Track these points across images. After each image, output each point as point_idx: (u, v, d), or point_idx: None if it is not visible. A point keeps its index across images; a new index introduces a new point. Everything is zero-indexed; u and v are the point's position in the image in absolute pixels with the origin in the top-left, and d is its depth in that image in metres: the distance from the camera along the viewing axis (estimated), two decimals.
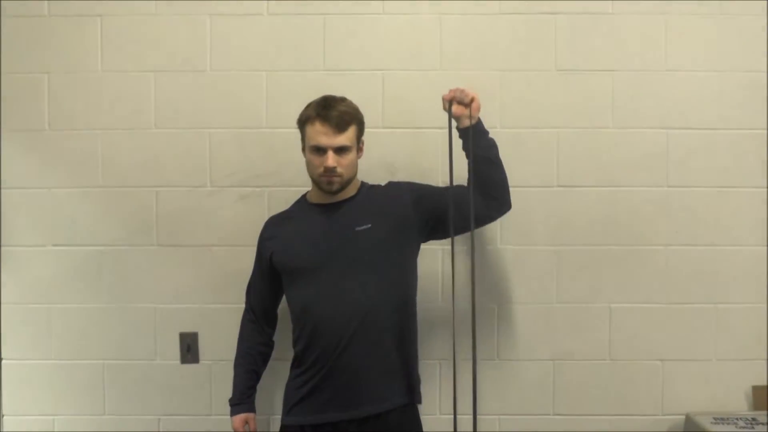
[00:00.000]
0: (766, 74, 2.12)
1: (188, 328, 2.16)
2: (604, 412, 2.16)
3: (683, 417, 2.13)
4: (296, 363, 1.86)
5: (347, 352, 1.76)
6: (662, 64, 2.13)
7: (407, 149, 2.13)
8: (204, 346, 2.16)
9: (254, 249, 1.94)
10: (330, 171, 1.74)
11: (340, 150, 1.74)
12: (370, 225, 1.78)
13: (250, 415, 1.94)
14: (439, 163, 2.13)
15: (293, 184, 2.06)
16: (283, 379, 1.90)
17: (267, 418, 2.15)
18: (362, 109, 2.01)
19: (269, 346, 1.98)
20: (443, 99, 1.76)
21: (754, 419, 2.06)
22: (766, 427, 2.00)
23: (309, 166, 1.79)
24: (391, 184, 1.91)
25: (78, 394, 2.18)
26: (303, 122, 1.78)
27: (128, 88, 2.14)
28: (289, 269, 1.84)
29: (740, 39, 2.12)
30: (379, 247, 1.78)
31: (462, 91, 1.74)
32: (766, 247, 2.13)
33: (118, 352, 2.17)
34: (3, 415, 2.19)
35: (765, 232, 2.13)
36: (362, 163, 1.95)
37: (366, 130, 2.02)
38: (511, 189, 2.09)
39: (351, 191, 1.84)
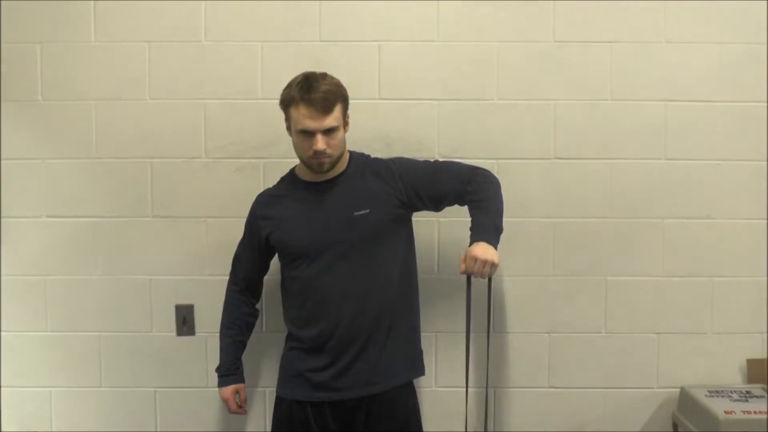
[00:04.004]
0: (766, 46, 2.10)
1: (184, 300, 2.16)
2: (599, 385, 2.17)
3: (678, 390, 2.13)
4: (293, 337, 1.86)
5: (349, 332, 1.77)
6: (661, 36, 2.10)
7: (404, 120, 2.11)
8: (200, 318, 2.16)
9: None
10: (320, 154, 1.72)
11: (328, 131, 1.71)
12: (368, 210, 1.77)
13: (240, 385, 1.96)
14: (435, 135, 2.11)
15: (288, 155, 2.02)
16: (274, 350, 1.90)
17: (263, 390, 2.16)
18: (358, 81, 2.02)
19: (255, 316, 1.99)
20: (461, 272, 1.68)
21: (748, 392, 2.07)
22: (760, 398, 2.01)
23: (297, 148, 1.77)
24: (381, 162, 1.87)
25: (74, 366, 2.18)
26: (286, 104, 1.74)
27: (122, 58, 2.11)
28: (288, 251, 1.83)
29: (740, 10, 2.09)
30: (378, 231, 1.78)
31: (482, 266, 1.64)
32: (765, 221, 2.13)
33: (114, 324, 2.17)
34: (0, 387, 2.19)
35: (764, 205, 2.12)
36: (358, 134, 1.94)
37: (362, 101, 2.03)
38: (508, 161, 2.12)
39: (341, 166, 1.82)
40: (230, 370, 1.94)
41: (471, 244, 1.69)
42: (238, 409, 1.96)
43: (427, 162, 1.88)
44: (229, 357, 1.95)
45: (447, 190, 1.82)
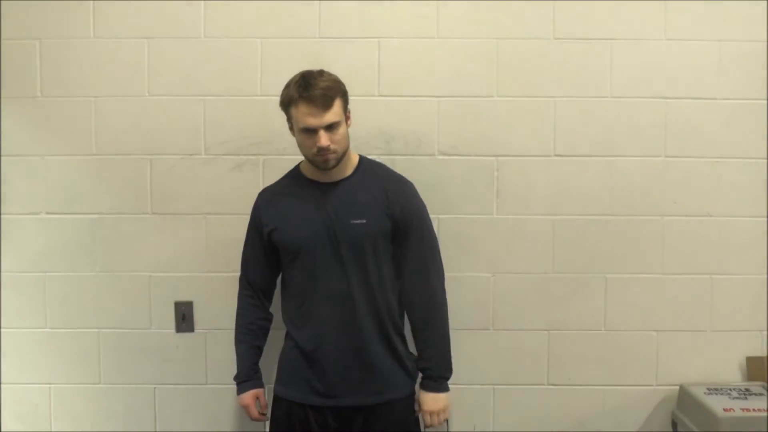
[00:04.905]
0: (766, 44, 2.09)
1: (183, 297, 2.16)
2: (598, 383, 2.17)
3: (677, 387, 2.13)
4: (292, 336, 1.85)
5: (347, 336, 1.78)
6: (661, 33, 2.10)
7: (404, 117, 2.11)
8: (199, 315, 2.16)
9: (249, 217, 1.92)
10: (324, 150, 1.71)
11: (330, 127, 1.70)
12: (364, 221, 1.77)
13: (260, 390, 1.91)
14: (435, 132, 2.11)
15: (288, 152, 2.04)
16: (275, 348, 1.91)
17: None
18: (358, 77, 2.02)
19: (269, 320, 1.95)
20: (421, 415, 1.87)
21: (747, 390, 2.07)
22: (759, 396, 2.01)
23: (301, 147, 1.76)
24: (397, 185, 1.84)
25: (74, 363, 2.18)
26: (286, 104, 1.73)
27: (121, 54, 2.11)
28: (288, 250, 1.83)
29: (740, 8, 2.09)
30: (374, 241, 1.79)
31: (439, 423, 1.85)
32: (764, 218, 2.12)
33: (113, 320, 2.17)
34: (0, 383, 2.19)
35: (764, 203, 2.12)
36: (359, 131, 1.94)
37: (362, 98, 2.02)
38: (508, 158, 2.12)
39: (348, 170, 1.82)
40: (248, 376, 1.89)
41: (422, 388, 1.86)
42: (260, 416, 1.89)
43: (424, 235, 1.85)
44: (245, 363, 1.90)
45: (402, 274, 1.84)
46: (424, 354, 1.85)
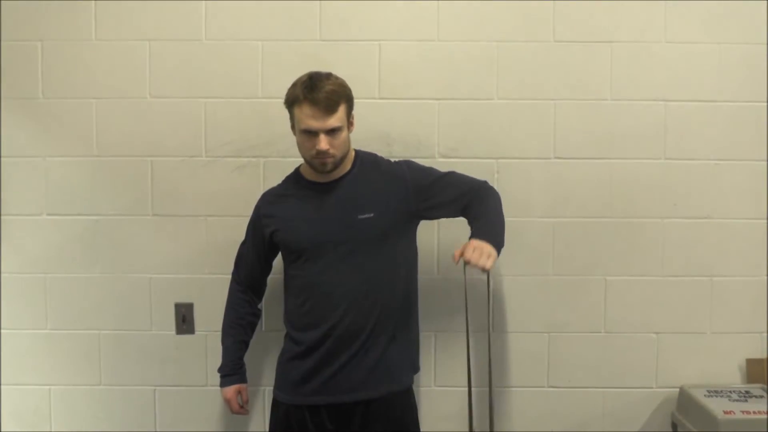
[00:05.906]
0: (766, 46, 2.10)
1: (183, 299, 2.16)
2: (598, 385, 2.17)
3: (677, 390, 2.13)
4: (291, 339, 1.85)
5: (348, 333, 1.77)
6: (661, 36, 2.10)
7: (404, 120, 2.11)
8: (199, 317, 2.16)
9: (250, 218, 1.92)
10: (322, 153, 1.72)
11: (332, 131, 1.71)
12: (372, 214, 1.77)
13: (243, 386, 1.95)
14: (435, 134, 2.12)
15: (289, 154, 2.05)
16: (274, 350, 1.90)
17: (263, 389, 2.16)
18: (358, 80, 2.01)
19: (257, 315, 1.99)
20: (455, 256, 1.67)
21: (747, 392, 2.07)
22: (759, 398, 2.01)
23: (300, 147, 1.77)
24: (394, 167, 1.86)
25: (74, 364, 2.18)
26: (290, 103, 1.73)
27: (123, 56, 2.11)
28: (291, 250, 1.83)
29: (740, 10, 2.10)
30: (381, 235, 1.78)
31: (479, 255, 1.64)
32: (764, 221, 2.13)
33: (114, 322, 2.17)
34: (0, 384, 2.19)
35: (764, 205, 2.12)
36: (358, 133, 1.93)
37: (362, 100, 2.02)
38: (508, 161, 2.13)
39: (346, 166, 1.82)
40: (233, 370, 1.93)
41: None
42: (241, 409, 1.95)
43: (438, 172, 1.87)
44: (231, 357, 1.94)
45: (451, 198, 1.84)
46: (480, 224, 1.78)
